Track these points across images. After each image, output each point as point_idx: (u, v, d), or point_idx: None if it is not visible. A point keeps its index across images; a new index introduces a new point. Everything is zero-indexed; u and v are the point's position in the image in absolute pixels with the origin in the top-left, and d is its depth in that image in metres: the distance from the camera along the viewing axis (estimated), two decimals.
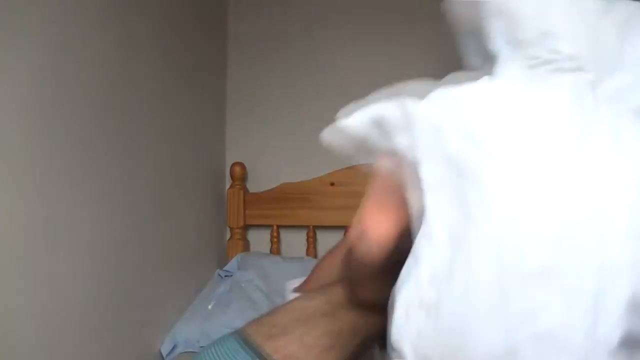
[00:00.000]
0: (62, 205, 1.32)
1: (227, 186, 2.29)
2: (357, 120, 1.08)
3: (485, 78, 1.00)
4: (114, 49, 1.53)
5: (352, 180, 2.21)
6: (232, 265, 2.17)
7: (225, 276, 2.13)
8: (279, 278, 2.03)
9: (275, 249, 2.27)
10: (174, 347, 1.82)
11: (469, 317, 0.86)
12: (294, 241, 2.31)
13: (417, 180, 0.97)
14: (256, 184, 2.31)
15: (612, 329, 0.82)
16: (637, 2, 1.12)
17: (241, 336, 1.12)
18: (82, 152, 1.39)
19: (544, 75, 0.95)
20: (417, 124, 0.99)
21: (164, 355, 1.80)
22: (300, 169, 2.26)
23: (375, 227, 1.02)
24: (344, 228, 2.21)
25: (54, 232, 1.29)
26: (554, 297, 0.83)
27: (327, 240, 2.29)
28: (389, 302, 1.00)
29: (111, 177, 1.52)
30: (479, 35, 1.09)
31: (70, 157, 1.35)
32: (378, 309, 1.07)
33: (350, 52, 2.28)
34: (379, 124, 1.04)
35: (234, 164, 2.26)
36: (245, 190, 2.27)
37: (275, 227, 2.27)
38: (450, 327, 0.88)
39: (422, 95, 1.06)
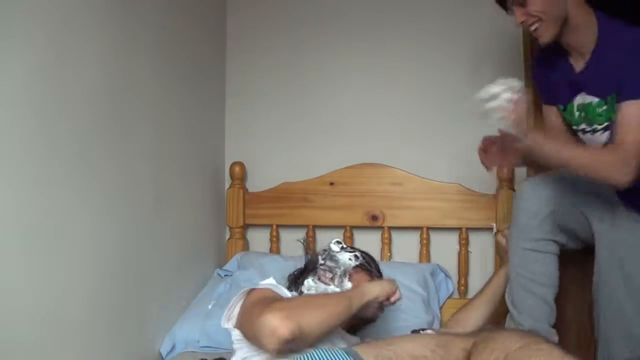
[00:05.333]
0: (61, 205, 1.32)
1: (227, 186, 2.30)
2: None
3: None
4: (113, 49, 1.53)
5: (352, 180, 2.22)
6: (231, 264, 2.17)
7: (225, 275, 2.14)
8: (279, 277, 2.03)
9: (275, 249, 2.28)
10: (173, 347, 1.82)
11: None
12: (293, 241, 2.30)
13: None
14: (256, 184, 2.31)
15: None
16: None
17: (350, 351, 1.19)
18: (82, 152, 1.39)
19: None
20: None
21: (164, 354, 1.80)
22: (300, 169, 2.26)
23: None
24: (343, 228, 2.23)
25: (54, 232, 1.30)
26: None
27: (326, 240, 2.29)
28: None
29: (111, 177, 1.52)
30: None
31: (70, 158, 1.35)
32: None
33: (349, 51, 2.28)
34: None
35: (233, 164, 2.27)
36: (245, 190, 2.28)
37: (274, 227, 2.28)
38: None
39: None
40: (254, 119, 2.34)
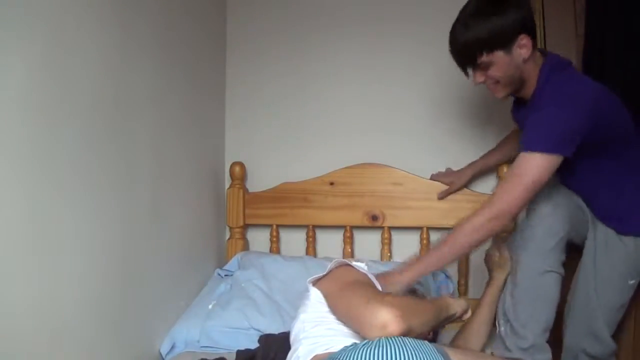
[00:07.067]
0: (61, 205, 1.32)
1: (227, 186, 2.30)
2: None
3: None
4: (113, 49, 1.53)
5: (352, 180, 2.22)
6: (232, 264, 2.17)
7: (225, 275, 2.14)
8: (279, 277, 2.04)
9: (275, 249, 2.28)
10: (173, 347, 1.83)
11: None
12: (293, 240, 2.32)
13: None
14: (256, 184, 2.31)
15: None
16: None
17: (440, 349, 1.21)
18: (82, 152, 1.39)
19: None
20: None
21: (164, 354, 1.80)
22: (300, 169, 2.26)
23: None
24: (344, 228, 2.24)
25: (55, 233, 1.30)
26: None
27: (326, 240, 2.30)
28: None
29: (111, 177, 1.52)
30: None
31: (71, 158, 1.35)
32: None
33: (350, 50, 2.28)
34: None
35: (233, 164, 2.27)
36: (245, 190, 2.28)
37: (274, 227, 2.28)
38: None
39: None
40: (254, 119, 2.34)
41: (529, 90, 1.64)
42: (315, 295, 1.46)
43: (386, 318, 1.21)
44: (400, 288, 1.57)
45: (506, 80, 1.60)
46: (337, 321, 1.38)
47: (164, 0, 1.81)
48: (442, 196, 2.14)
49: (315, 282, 1.50)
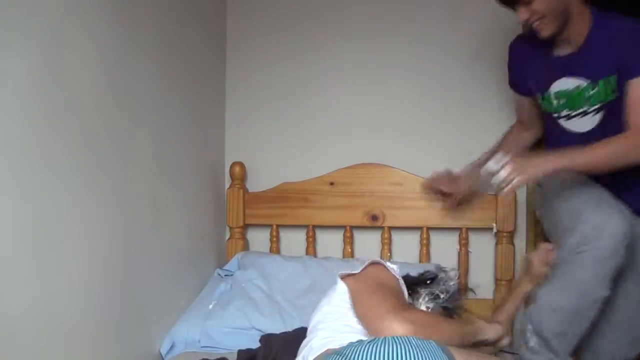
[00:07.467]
0: (60, 205, 1.32)
1: (227, 186, 2.30)
2: None
3: None
4: (113, 49, 1.53)
5: (352, 180, 2.23)
6: (232, 264, 2.17)
7: (225, 275, 2.14)
8: (279, 277, 2.04)
9: (275, 249, 2.28)
10: (173, 347, 1.83)
11: None
12: (293, 240, 2.32)
13: None
14: (256, 184, 2.31)
15: None
16: None
17: (445, 348, 1.20)
18: (81, 152, 1.39)
19: None
20: None
21: (164, 354, 1.80)
22: (300, 169, 2.26)
23: None
24: (343, 228, 2.24)
25: (55, 233, 1.30)
26: None
27: (326, 240, 2.30)
28: None
29: (111, 177, 1.52)
30: None
31: (70, 158, 1.35)
32: None
33: (349, 51, 2.28)
34: None
35: (233, 164, 2.27)
36: (245, 190, 2.28)
37: (274, 227, 2.28)
38: None
39: None
40: (254, 119, 2.34)
41: (576, 30, 1.63)
42: (342, 290, 1.46)
43: (398, 333, 1.21)
44: (542, 169, 1.57)
45: (551, 15, 1.58)
46: (357, 319, 1.39)
47: (164, 0, 1.82)
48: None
49: (345, 277, 1.50)
